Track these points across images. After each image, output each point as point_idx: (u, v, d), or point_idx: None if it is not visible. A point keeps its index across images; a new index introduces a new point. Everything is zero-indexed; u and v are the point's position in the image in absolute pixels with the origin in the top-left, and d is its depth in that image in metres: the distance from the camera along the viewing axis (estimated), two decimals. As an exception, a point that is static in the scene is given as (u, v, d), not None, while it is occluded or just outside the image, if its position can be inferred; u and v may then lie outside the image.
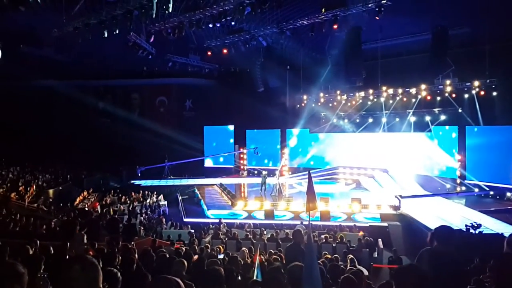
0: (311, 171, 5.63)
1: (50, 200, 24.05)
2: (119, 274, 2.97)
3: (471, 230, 12.15)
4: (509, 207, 19.24)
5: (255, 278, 5.51)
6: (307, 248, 4.07)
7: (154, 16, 16.65)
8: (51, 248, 7.48)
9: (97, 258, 6.12)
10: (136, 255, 7.26)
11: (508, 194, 21.10)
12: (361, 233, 15.88)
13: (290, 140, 31.42)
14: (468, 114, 23.28)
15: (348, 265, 9.11)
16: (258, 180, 24.56)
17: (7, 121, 28.25)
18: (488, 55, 21.43)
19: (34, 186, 24.53)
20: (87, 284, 1.92)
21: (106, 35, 17.96)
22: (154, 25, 19.72)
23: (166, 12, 16.34)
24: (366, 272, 10.10)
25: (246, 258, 9.03)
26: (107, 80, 34.83)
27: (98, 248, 8.42)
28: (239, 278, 5.85)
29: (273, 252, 10.85)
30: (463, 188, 23.33)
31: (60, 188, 26.71)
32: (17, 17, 17.66)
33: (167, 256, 7.29)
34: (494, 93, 21.84)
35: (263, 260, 7.15)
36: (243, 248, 10.65)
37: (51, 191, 25.46)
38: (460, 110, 23.68)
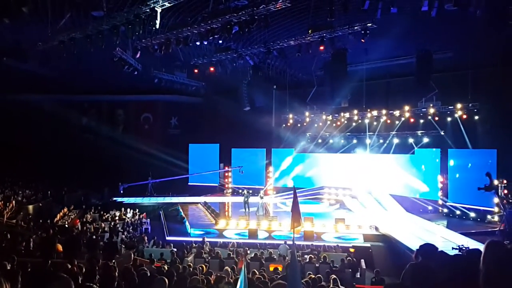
0: (298, 189, 5.60)
1: (30, 216, 23.55)
2: (98, 290, 2.88)
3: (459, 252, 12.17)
4: (489, 229, 19.40)
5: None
6: (291, 266, 4.01)
7: (141, 32, 16.62)
8: (29, 265, 7.30)
9: (77, 275, 5.98)
10: (117, 273, 7.11)
11: (489, 216, 21.29)
12: (352, 249, 15.92)
13: (276, 159, 31.42)
14: (451, 137, 23.61)
15: (331, 285, 9.03)
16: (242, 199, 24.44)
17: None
18: (471, 79, 21.87)
19: (14, 202, 24.04)
20: None
21: (92, 50, 17.85)
22: (141, 41, 19.69)
23: (153, 28, 16.35)
24: (349, 293, 10.04)
25: (229, 278, 8.89)
26: (91, 95, 34.58)
27: (78, 265, 8.24)
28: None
29: (257, 272, 10.73)
30: (445, 210, 23.53)
31: (40, 204, 26.21)
32: (1, 30, 17.50)
33: (148, 274, 7.14)
34: (476, 117, 22.23)
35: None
36: (226, 267, 10.51)
37: (30, 207, 24.97)
38: (442, 133, 24.02)
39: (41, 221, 22.53)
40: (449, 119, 23.41)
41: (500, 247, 3.51)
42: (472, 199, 22.38)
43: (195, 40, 18.81)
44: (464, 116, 22.54)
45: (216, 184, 33.32)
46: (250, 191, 25.10)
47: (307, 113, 29.11)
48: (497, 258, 3.38)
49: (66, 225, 21.91)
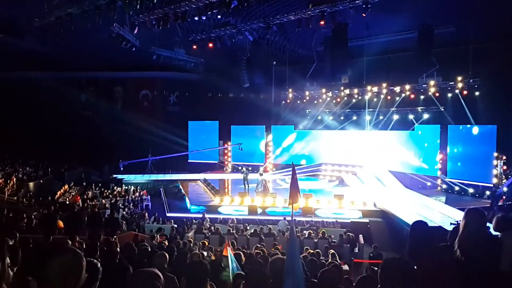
0: (297, 166, 5.61)
1: (31, 193, 23.67)
2: (99, 264, 2.90)
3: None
4: (487, 205, 19.52)
5: (230, 272, 5.49)
6: (290, 241, 4.04)
7: (138, 7, 16.41)
8: (31, 241, 7.35)
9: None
10: (118, 248, 7.17)
11: (488, 192, 21.43)
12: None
13: (274, 136, 31.43)
14: (451, 113, 23.56)
15: (330, 260, 9.12)
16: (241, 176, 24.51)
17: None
18: (472, 55, 21.69)
19: (14, 179, 24.13)
20: (69, 273, 1.85)
21: (88, 26, 17.66)
22: (138, 16, 19.43)
23: (151, 3, 16.15)
24: (346, 267, 10.16)
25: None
26: (89, 72, 34.29)
27: (79, 241, 8.30)
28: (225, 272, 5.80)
29: (259, 246, 10.88)
30: (444, 186, 23.66)
31: (41, 181, 26.32)
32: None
33: (149, 249, 7.20)
34: (477, 93, 22.15)
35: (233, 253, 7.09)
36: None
37: (31, 184, 25.07)
38: (442, 109, 23.96)
39: (41, 198, 22.67)
40: (449, 95, 23.32)
41: (478, 213, 3.64)
42: (470, 175, 22.50)
43: (193, 15, 18.61)
44: (465, 92, 22.45)
45: (216, 161, 33.38)
46: (250, 168, 25.16)
47: (306, 89, 28.97)
48: (474, 223, 3.54)
49: (67, 202, 22.04)
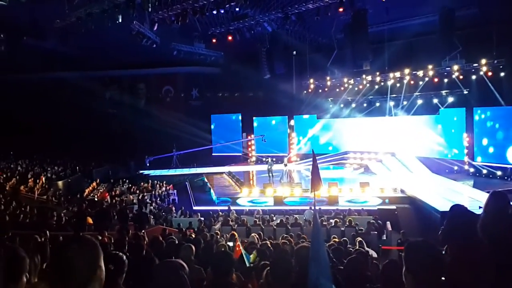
0: (317, 155, 5.60)
1: (60, 191, 24.19)
2: (125, 257, 2.98)
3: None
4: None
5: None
6: (314, 230, 4.04)
7: (157, 3, 16.53)
8: (61, 238, 7.55)
9: (107, 245, 6.18)
10: (146, 242, 7.32)
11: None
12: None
13: (297, 126, 31.36)
14: (476, 96, 23.08)
15: (357, 247, 9.10)
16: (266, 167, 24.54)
17: (14, 114, 28.35)
18: (496, 35, 21.19)
19: (43, 178, 24.68)
20: (85, 263, 1.88)
21: (109, 24, 17.87)
22: (157, 13, 19.56)
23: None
24: (375, 254, 10.10)
25: (256, 243, 9.04)
26: (112, 70, 34.80)
27: (108, 236, 8.49)
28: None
29: (285, 236, 10.92)
30: (471, 169, 23.24)
31: (69, 179, 26.85)
32: (19, 9, 17.61)
33: (176, 242, 7.31)
34: (502, 74, 21.64)
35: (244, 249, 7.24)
36: (253, 234, 10.67)
37: (60, 182, 25.61)
38: (465, 92, 23.50)
39: (70, 196, 23.16)
40: (473, 77, 22.84)
41: (502, 196, 3.57)
42: (498, 157, 22.04)
43: (211, 9, 18.63)
44: (489, 74, 21.94)
45: (240, 154, 33.51)
46: (274, 159, 25.18)
47: (328, 78, 28.74)
48: (498, 206, 3.47)
49: (96, 199, 22.47)
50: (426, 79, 24.49)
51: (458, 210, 4.06)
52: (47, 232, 8.12)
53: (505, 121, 21.80)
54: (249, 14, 21.82)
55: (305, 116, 31.09)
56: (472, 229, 3.73)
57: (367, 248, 9.97)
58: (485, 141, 22.86)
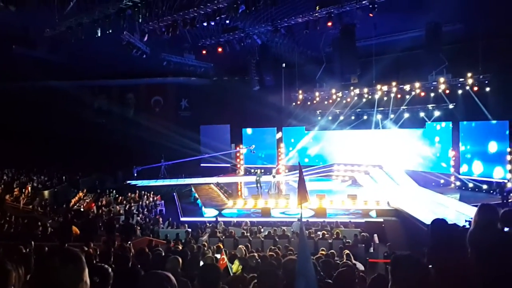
0: (305, 167, 5.65)
1: (46, 201, 23.95)
2: (110, 269, 2.98)
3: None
4: (503, 201, 19.34)
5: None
6: (300, 242, 4.08)
7: (147, 14, 16.57)
8: (46, 249, 7.46)
9: (92, 257, 6.14)
10: (132, 254, 7.28)
11: (497, 188, 21.32)
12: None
13: (285, 138, 31.48)
14: (462, 110, 23.41)
15: (344, 260, 9.13)
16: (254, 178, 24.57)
17: (1, 122, 28.09)
18: (481, 51, 21.53)
19: (29, 188, 24.43)
20: (69, 277, 1.87)
21: (99, 34, 17.85)
22: (148, 23, 19.60)
23: (160, 10, 16.29)
24: (362, 267, 10.15)
25: (243, 255, 9.03)
26: (101, 80, 34.70)
27: (93, 247, 8.42)
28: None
29: (273, 248, 10.93)
30: (458, 183, 23.49)
31: (55, 189, 26.60)
32: (8, 18, 17.54)
33: (163, 254, 7.29)
34: (487, 89, 21.98)
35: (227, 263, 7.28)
36: (240, 246, 10.66)
37: (46, 192, 25.37)
38: (451, 106, 23.85)
39: (56, 206, 22.93)
40: (460, 91, 23.18)
41: (491, 209, 3.63)
42: (484, 171, 22.34)
43: (202, 21, 18.69)
44: (475, 88, 22.30)
45: (228, 165, 33.48)
46: (262, 171, 25.21)
47: (316, 91, 28.97)
48: (486, 219, 3.53)
49: (82, 209, 22.27)
50: (413, 93, 24.80)
51: (438, 224, 4.14)
52: (32, 242, 8.03)
53: (490, 135, 22.14)
54: (239, 27, 21.95)
55: (293, 128, 31.20)
56: (454, 242, 3.79)
57: (354, 261, 10.01)
58: (470, 155, 23.17)
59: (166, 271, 3.78)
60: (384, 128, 27.43)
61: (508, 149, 21.16)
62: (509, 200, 19.42)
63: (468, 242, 3.55)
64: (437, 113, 24.87)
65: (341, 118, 29.42)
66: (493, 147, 21.96)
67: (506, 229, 3.89)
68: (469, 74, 22.31)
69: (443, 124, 24.55)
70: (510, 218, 3.95)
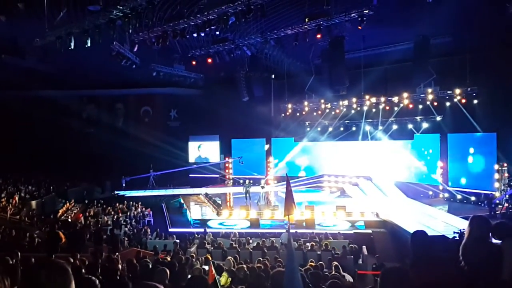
0: (294, 178, 5.67)
1: (33, 212, 23.67)
2: (97, 281, 2.96)
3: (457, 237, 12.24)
4: (491, 213, 19.48)
5: None
6: (287, 253, 4.09)
7: (137, 25, 16.59)
8: (33, 260, 7.38)
9: (80, 269, 6.08)
10: (120, 265, 7.22)
11: (484, 200, 21.50)
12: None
13: (274, 149, 31.53)
14: (450, 122, 23.66)
15: (333, 272, 9.13)
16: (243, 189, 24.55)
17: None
18: (469, 63, 21.83)
19: (17, 198, 24.15)
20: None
21: (89, 44, 17.80)
22: (138, 34, 19.63)
23: (150, 21, 16.32)
24: (350, 279, 10.15)
25: (231, 267, 9.00)
26: (90, 90, 34.55)
27: (80, 258, 8.34)
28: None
29: (261, 259, 10.89)
30: (446, 194, 23.66)
31: (43, 199, 26.30)
32: (-2, 27, 17.48)
33: (151, 265, 7.24)
34: (475, 101, 22.25)
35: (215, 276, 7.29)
36: (229, 257, 10.62)
37: (33, 202, 25.06)
38: (438, 118, 24.10)
39: (44, 216, 22.67)
40: (448, 104, 23.44)
41: (483, 221, 3.67)
42: (472, 183, 22.53)
43: (192, 32, 18.75)
44: (463, 101, 22.57)
45: (217, 175, 33.42)
46: (251, 181, 25.20)
47: (305, 102, 29.14)
48: (478, 231, 3.57)
49: (69, 220, 22.04)
50: (401, 105, 25.02)
51: (418, 236, 4.18)
52: (19, 253, 7.94)
53: (478, 147, 22.37)
54: (229, 38, 22.04)
55: (282, 139, 31.29)
56: (435, 252, 3.84)
57: (343, 273, 10.02)
58: (458, 167, 23.38)
59: (154, 282, 3.77)
60: (373, 139, 27.60)
61: (496, 162, 21.39)
62: (497, 212, 19.57)
63: (461, 254, 3.57)
64: (425, 125, 25.13)
65: (330, 129, 29.59)
66: (480, 159, 22.19)
67: (496, 241, 3.93)
68: (457, 87, 22.61)
69: (431, 136, 24.76)
70: (502, 230, 3.98)
